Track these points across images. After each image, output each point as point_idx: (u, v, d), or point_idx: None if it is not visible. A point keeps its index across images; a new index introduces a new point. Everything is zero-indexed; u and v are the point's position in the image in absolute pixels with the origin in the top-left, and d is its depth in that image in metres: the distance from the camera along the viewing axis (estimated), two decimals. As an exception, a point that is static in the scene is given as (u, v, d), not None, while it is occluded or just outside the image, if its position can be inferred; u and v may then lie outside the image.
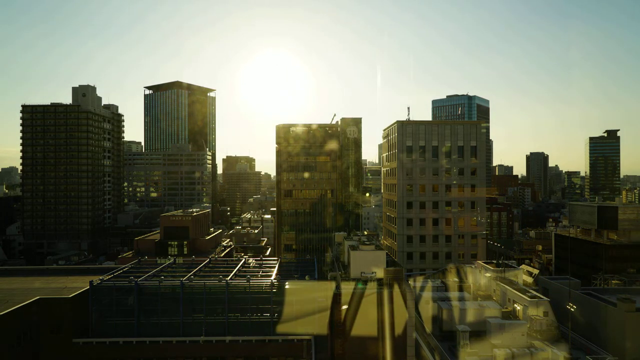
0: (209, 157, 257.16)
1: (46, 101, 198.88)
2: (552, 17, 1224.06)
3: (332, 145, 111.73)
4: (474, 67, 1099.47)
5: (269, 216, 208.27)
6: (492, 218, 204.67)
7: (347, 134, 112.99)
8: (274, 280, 46.74)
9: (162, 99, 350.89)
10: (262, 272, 53.16)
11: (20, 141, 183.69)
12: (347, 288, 44.42)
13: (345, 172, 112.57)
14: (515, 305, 52.27)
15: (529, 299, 50.17)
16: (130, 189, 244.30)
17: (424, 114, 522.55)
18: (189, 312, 45.90)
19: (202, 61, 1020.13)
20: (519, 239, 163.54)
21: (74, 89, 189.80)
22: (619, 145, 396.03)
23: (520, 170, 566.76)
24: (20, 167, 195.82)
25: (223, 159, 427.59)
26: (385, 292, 43.47)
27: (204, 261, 58.43)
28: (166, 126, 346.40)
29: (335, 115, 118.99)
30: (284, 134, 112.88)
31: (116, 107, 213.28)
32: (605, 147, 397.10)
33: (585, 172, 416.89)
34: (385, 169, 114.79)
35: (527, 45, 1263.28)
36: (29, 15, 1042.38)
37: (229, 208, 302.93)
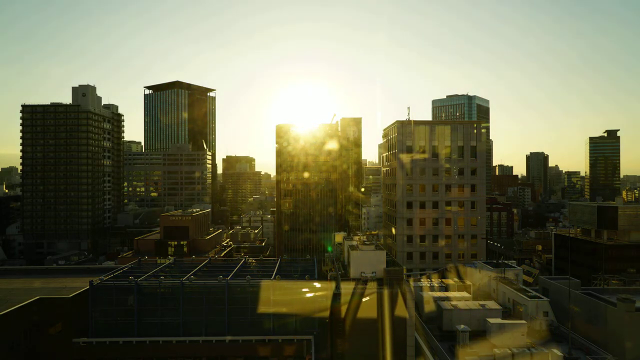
0: (209, 157, 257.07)
1: (46, 101, 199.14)
2: (553, 16, 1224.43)
3: (332, 145, 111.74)
4: (474, 67, 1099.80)
5: (269, 216, 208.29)
6: (492, 218, 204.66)
7: (347, 134, 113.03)
8: (274, 280, 46.73)
9: (162, 99, 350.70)
10: (262, 272, 53.13)
11: (20, 141, 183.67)
12: (347, 288, 44.42)
13: (345, 172, 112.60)
14: (516, 305, 52.30)
15: (529, 299, 50.20)
16: (130, 188, 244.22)
17: (424, 114, 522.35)
18: (189, 312, 45.87)
19: (202, 61, 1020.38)
20: (519, 239, 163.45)
21: (73, 88, 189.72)
22: (619, 145, 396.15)
23: (520, 170, 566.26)
24: (20, 167, 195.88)
25: (223, 159, 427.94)
26: (385, 292, 43.47)
27: (204, 261, 58.35)
28: (166, 126, 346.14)
29: (335, 115, 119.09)
30: (284, 134, 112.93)
31: (116, 107, 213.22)
32: (605, 147, 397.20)
33: (585, 172, 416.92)
34: (385, 169, 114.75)
35: (527, 45, 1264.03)
36: (30, 14, 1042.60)
37: (229, 208, 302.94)
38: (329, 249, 53.73)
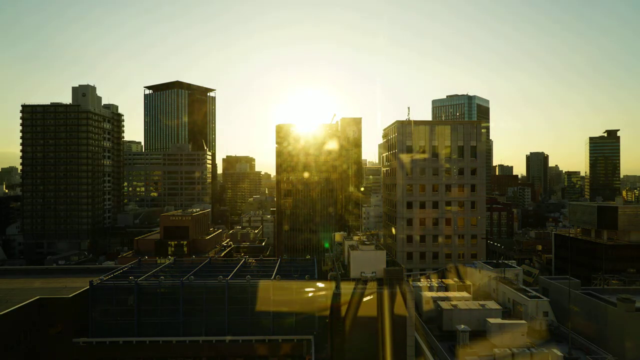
0: (209, 157, 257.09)
1: (46, 101, 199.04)
2: (553, 16, 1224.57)
3: (332, 145, 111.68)
4: (474, 66, 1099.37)
5: (269, 216, 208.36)
6: (492, 218, 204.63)
7: (347, 134, 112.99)
8: (273, 280, 46.73)
9: (162, 99, 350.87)
10: (262, 272, 53.14)
11: (20, 141, 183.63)
12: (347, 288, 44.41)
13: (345, 172, 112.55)
14: (516, 305, 52.31)
15: (529, 299, 50.22)
16: (130, 188, 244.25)
17: (424, 114, 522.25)
18: (189, 312, 45.90)
19: (202, 61, 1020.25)
20: (519, 239, 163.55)
21: (74, 88, 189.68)
22: (619, 145, 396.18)
23: (520, 170, 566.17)
24: (20, 167, 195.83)
25: (223, 159, 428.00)
26: (385, 292, 43.46)
27: (204, 261, 58.40)
28: (166, 126, 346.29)
29: (335, 115, 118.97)
30: (284, 134, 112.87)
31: (116, 107, 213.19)
32: (605, 147, 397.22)
33: (585, 172, 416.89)
34: (385, 169, 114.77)
35: (527, 45, 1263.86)
36: (30, 14, 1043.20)
37: (229, 208, 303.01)
38: (326, 245, 53.86)
